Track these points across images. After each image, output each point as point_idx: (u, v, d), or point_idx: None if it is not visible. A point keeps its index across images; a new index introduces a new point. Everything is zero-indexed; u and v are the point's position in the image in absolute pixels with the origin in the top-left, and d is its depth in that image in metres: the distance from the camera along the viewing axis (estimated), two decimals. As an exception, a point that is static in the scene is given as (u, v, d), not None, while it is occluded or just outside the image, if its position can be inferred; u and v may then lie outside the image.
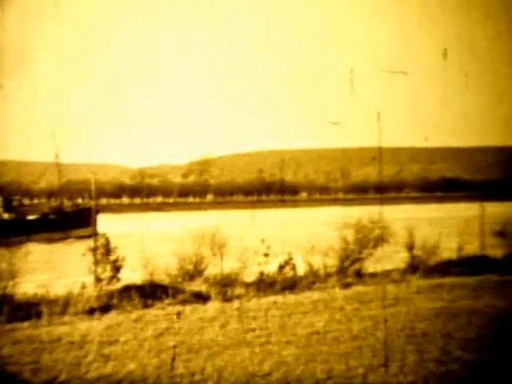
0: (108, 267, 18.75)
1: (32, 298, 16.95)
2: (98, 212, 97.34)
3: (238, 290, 18.46)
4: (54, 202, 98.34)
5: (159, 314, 15.77)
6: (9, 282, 16.90)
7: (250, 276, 19.87)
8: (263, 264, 20.02)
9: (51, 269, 34.30)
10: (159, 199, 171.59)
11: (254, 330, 13.77)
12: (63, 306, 16.30)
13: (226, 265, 19.92)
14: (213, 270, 19.81)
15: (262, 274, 19.92)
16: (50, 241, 72.42)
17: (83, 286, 17.84)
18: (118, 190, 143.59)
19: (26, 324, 14.99)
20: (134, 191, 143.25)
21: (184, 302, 17.16)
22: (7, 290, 16.79)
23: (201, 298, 17.77)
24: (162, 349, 12.32)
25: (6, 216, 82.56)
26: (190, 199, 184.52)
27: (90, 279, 18.53)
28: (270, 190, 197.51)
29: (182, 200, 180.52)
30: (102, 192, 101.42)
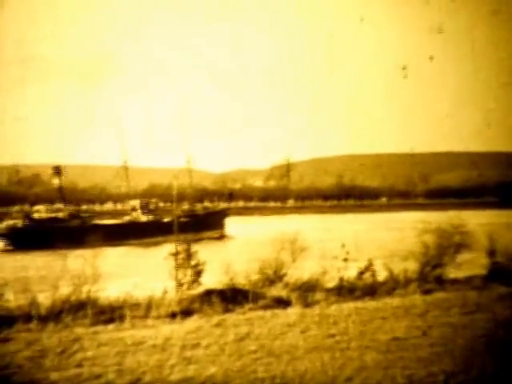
0: (189, 272, 18.97)
1: (115, 302, 17.24)
2: (226, 215, 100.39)
3: (319, 296, 18.44)
4: (185, 206, 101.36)
5: (240, 318, 15.89)
6: (93, 286, 17.23)
7: (330, 281, 19.83)
8: (343, 269, 19.97)
9: (135, 272, 34.85)
10: (240, 203, 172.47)
11: (334, 335, 13.76)
12: (146, 309, 16.55)
13: (307, 270, 19.94)
14: (293, 275, 19.83)
15: (342, 279, 19.87)
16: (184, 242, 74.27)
17: (165, 291, 18.09)
18: (200, 195, 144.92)
19: (109, 327, 15.27)
20: (216, 196, 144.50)
21: (265, 307, 17.25)
22: (91, 293, 17.13)
23: (281, 303, 17.82)
24: (242, 353, 12.42)
25: (143, 218, 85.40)
26: (271, 204, 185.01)
27: (171, 283, 18.78)
28: (349, 194, 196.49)
29: (263, 204, 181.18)
30: (184, 197, 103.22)
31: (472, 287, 20.17)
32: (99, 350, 12.86)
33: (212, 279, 18.94)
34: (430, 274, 21.27)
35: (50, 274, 17.79)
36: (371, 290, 19.47)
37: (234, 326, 14.83)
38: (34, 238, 70.75)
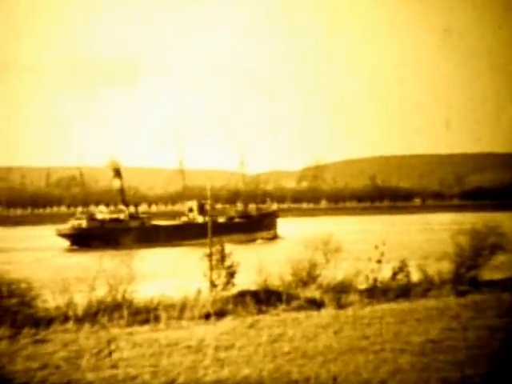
0: (223, 273, 19.05)
1: (150, 303, 17.36)
2: (277, 217, 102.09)
3: (352, 297, 18.43)
4: (239, 207, 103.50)
5: (274, 319, 15.93)
6: (128, 287, 17.37)
7: (363, 283, 19.80)
8: (377, 271, 19.94)
9: (170, 273, 35.01)
10: (274, 205, 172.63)
11: (368, 337, 13.75)
12: (180, 310, 16.65)
13: (340, 271, 19.93)
14: (326, 276, 19.83)
15: (375, 280, 19.84)
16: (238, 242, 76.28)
17: (199, 292, 18.18)
18: (234, 196, 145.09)
19: (145, 328, 15.40)
20: (249, 197, 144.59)
21: (298, 309, 17.27)
22: (127, 294, 17.26)
23: (315, 304, 17.84)
24: (276, 354, 12.45)
25: (200, 219, 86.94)
26: (304, 205, 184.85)
27: (205, 284, 18.87)
28: (382, 195, 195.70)
29: (296, 206, 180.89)
30: (219, 197, 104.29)
31: (507, 289, 20.01)
32: (134, 351, 12.97)
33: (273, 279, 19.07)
34: (465, 276, 21.14)
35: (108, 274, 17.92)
36: (405, 292, 19.41)
37: (268, 328, 14.87)
38: (97, 237, 72.74)
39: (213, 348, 13.01)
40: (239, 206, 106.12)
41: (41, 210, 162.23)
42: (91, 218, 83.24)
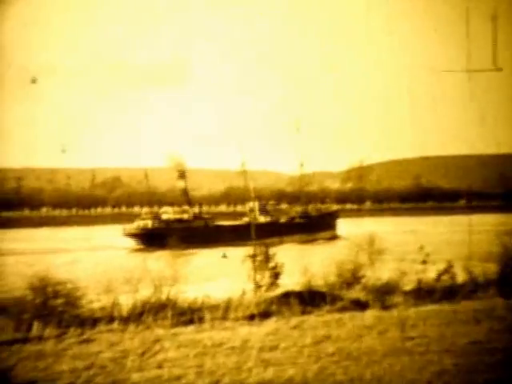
0: (267, 274, 19.06)
1: (194, 304, 17.42)
2: (337, 217, 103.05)
3: (397, 298, 18.31)
4: (298, 207, 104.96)
5: (318, 320, 15.89)
6: (172, 288, 17.45)
7: (408, 284, 19.66)
8: (421, 272, 19.79)
9: (217, 274, 35.12)
10: (318, 206, 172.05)
11: (413, 338, 13.66)
12: (224, 311, 16.68)
13: (384, 272, 19.82)
14: (371, 277, 19.73)
15: (420, 281, 19.68)
16: (299, 242, 77.49)
17: (243, 292, 18.21)
18: (277, 197, 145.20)
19: (189, 328, 15.45)
20: (293, 198, 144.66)
21: (342, 310, 17.21)
22: (171, 295, 17.34)
23: (359, 305, 17.76)
24: (321, 355, 12.42)
25: (262, 219, 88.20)
26: (348, 206, 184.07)
27: (249, 285, 18.88)
28: (427, 196, 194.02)
29: (340, 207, 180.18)
30: (262, 198, 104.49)
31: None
32: (179, 351, 13.02)
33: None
34: (511, 277, 20.87)
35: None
36: (450, 293, 19.22)
37: (312, 329, 14.84)
38: (163, 237, 74.28)
39: (257, 349, 13.02)
40: (299, 206, 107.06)
41: (86, 211, 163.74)
42: (157, 218, 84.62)
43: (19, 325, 15.50)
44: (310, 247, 68.62)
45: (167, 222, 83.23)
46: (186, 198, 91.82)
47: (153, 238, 77.13)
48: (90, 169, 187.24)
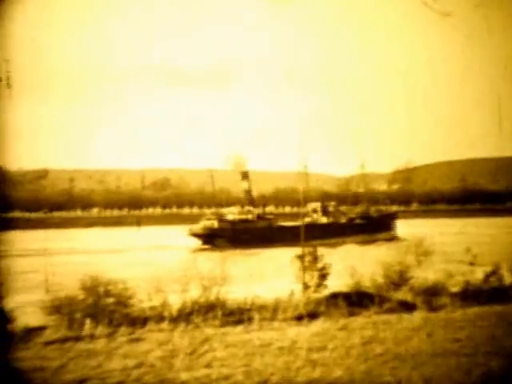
0: (315, 274, 19.13)
1: (243, 304, 17.57)
2: (396, 218, 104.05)
3: (444, 300, 18.26)
4: (358, 208, 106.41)
5: (366, 321, 15.93)
6: (221, 288, 17.61)
7: (455, 285, 19.58)
8: (468, 273, 19.71)
9: (263, 274, 35.26)
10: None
11: (460, 340, 13.63)
12: (273, 311, 16.82)
13: (431, 274, 19.76)
14: (418, 278, 19.69)
15: (467, 283, 19.59)
16: (359, 243, 78.11)
17: (292, 293, 18.32)
18: (323, 198, 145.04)
19: (238, 329, 15.60)
20: (340, 199, 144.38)
21: (390, 311, 17.23)
22: (220, 295, 17.51)
23: (406, 306, 17.76)
24: (368, 356, 12.47)
25: (323, 220, 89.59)
26: (394, 207, 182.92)
27: (298, 286, 18.98)
28: (473, 198, 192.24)
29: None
30: (310, 200, 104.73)
31: None
32: (228, 351, 13.16)
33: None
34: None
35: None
36: (498, 295, 19.09)
37: (360, 329, 14.89)
38: (228, 237, 75.98)
39: (305, 349, 13.09)
40: (359, 207, 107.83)
41: (136, 212, 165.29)
42: (221, 218, 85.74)
43: (71, 323, 15.83)
44: (369, 248, 68.38)
45: (232, 222, 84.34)
46: (249, 198, 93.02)
47: (218, 238, 78.49)
48: (139, 170, 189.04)
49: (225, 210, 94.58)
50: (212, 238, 80.00)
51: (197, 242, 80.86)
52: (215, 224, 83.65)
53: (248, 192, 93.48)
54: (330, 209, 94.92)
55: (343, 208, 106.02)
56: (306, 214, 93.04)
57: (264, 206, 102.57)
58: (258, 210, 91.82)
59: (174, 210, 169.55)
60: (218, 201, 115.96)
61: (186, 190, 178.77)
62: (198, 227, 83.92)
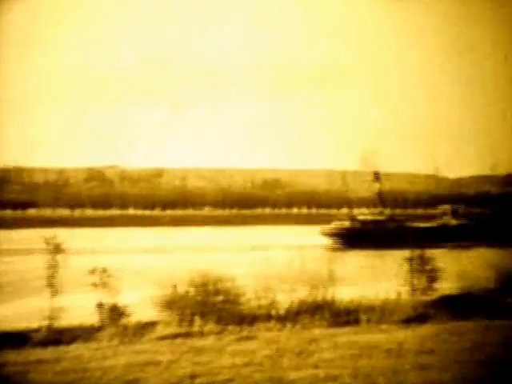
0: (424, 277, 18.93)
1: (350, 305, 17.57)
2: None
3: None
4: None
5: (475, 326, 15.65)
6: (329, 288, 17.66)
7: None
8: None
9: (370, 276, 35.06)
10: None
11: None
12: (380, 313, 16.75)
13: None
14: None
15: None
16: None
17: (400, 295, 18.19)
18: (432, 200, 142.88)
19: (345, 329, 15.61)
20: (447, 200, 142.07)
21: (500, 316, 16.88)
22: (327, 295, 17.56)
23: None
24: (477, 362, 12.27)
25: (453, 222, 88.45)
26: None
27: (406, 288, 18.82)
28: None
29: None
30: (418, 201, 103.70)
31: None
32: (335, 352, 13.17)
33: None
34: None
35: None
36: None
37: (469, 334, 14.65)
38: (358, 238, 77.10)
39: (413, 352, 12.98)
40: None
41: (248, 211, 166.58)
42: (353, 219, 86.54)
43: (182, 320, 16.21)
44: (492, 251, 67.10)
45: (363, 222, 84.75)
46: (380, 199, 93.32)
47: (349, 238, 79.16)
48: (249, 169, 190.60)
49: (356, 211, 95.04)
50: (343, 238, 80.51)
51: (309, 242, 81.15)
52: (347, 224, 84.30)
53: (380, 193, 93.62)
54: (460, 211, 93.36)
55: (475, 210, 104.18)
56: (435, 216, 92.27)
57: (395, 207, 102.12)
58: (388, 211, 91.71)
59: (284, 210, 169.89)
60: (342, 201, 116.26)
61: (297, 190, 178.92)
62: (330, 227, 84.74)
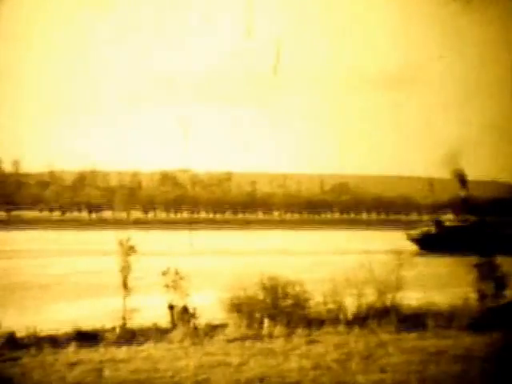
0: (492, 284, 18.75)
1: (417, 310, 17.55)
2: None
3: None
4: None
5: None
6: (396, 293, 17.66)
7: None
8: None
9: (438, 281, 34.69)
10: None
11: None
12: (448, 319, 16.68)
13: None
14: None
15: None
16: None
17: (467, 301, 18.06)
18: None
19: (412, 335, 15.61)
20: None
21: None
22: (395, 300, 17.57)
23: None
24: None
25: None
26: None
27: (473, 295, 18.65)
28: None
29: None
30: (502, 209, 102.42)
31: None
32: (402, 357, 13.19)
33: None
34: None
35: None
36: None
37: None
38: (444, 243, 77.35)
39: (480, 359, 12.92)
40: None
41: (316, 216, 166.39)
42: (439, 224, 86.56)
43: (251, 322, 16.44)
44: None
45: (449, 228, 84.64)
46: (466, 206, 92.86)
47: (434, 244, 79.21)
48: (318, 175, 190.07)
49: (443, 217, 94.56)
50: (429, 244, 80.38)
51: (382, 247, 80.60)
52: (432, 230, 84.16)
53: (465, 199, 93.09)
54: None
55: None
56: None
57: (480, 213, 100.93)
58: (474, 218, 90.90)
59: (352, 215, 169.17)
60: (428, 207, 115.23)
61: (364, 196, 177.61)
62: (416, 232, 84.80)
